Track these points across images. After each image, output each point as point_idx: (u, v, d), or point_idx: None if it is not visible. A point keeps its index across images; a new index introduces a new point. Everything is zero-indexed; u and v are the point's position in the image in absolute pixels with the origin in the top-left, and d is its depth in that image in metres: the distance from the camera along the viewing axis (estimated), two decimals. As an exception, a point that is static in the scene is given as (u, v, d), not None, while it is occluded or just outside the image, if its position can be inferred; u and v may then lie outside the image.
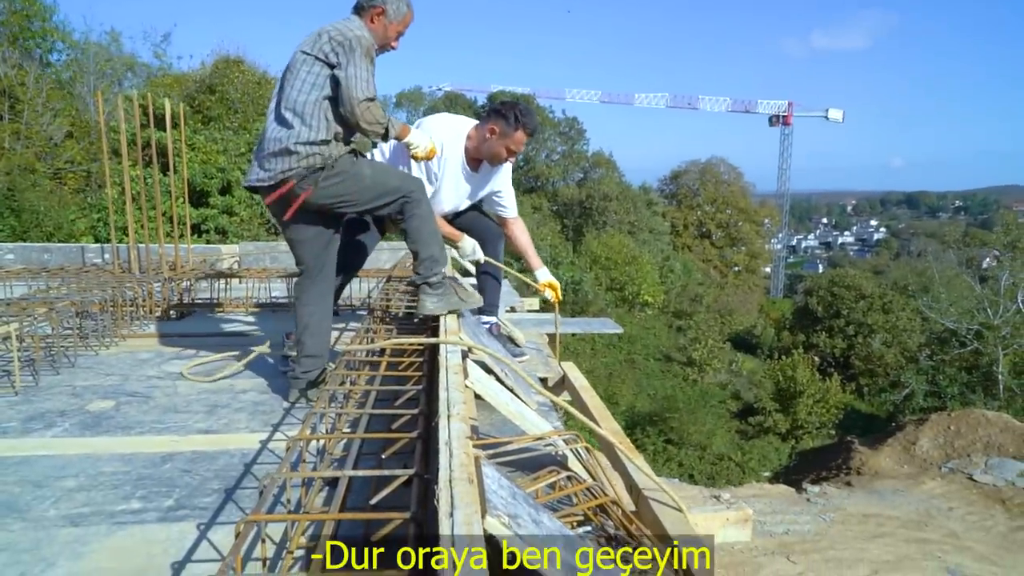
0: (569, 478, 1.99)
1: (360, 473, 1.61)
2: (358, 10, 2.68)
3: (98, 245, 6.95)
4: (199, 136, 13.70)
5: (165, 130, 5.14)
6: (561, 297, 3.79)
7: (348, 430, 2.28)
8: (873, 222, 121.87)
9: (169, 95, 16.63)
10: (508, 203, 3.59)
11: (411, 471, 1.55)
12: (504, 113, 3.13)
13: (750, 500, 11.51)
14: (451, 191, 3.35)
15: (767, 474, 17.90)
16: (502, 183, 3.51)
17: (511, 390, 2.56)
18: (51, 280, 4.71)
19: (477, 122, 3.25)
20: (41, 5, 16.68)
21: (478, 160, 3.29)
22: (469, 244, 3.44)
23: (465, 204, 3.48)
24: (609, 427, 2.78)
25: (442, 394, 1.88)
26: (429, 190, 3.18)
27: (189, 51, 48.11)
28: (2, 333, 3.00)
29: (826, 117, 59.47)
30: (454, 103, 39.52)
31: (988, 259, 35.09)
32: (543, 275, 3.68)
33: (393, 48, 2.79)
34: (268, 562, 1.55)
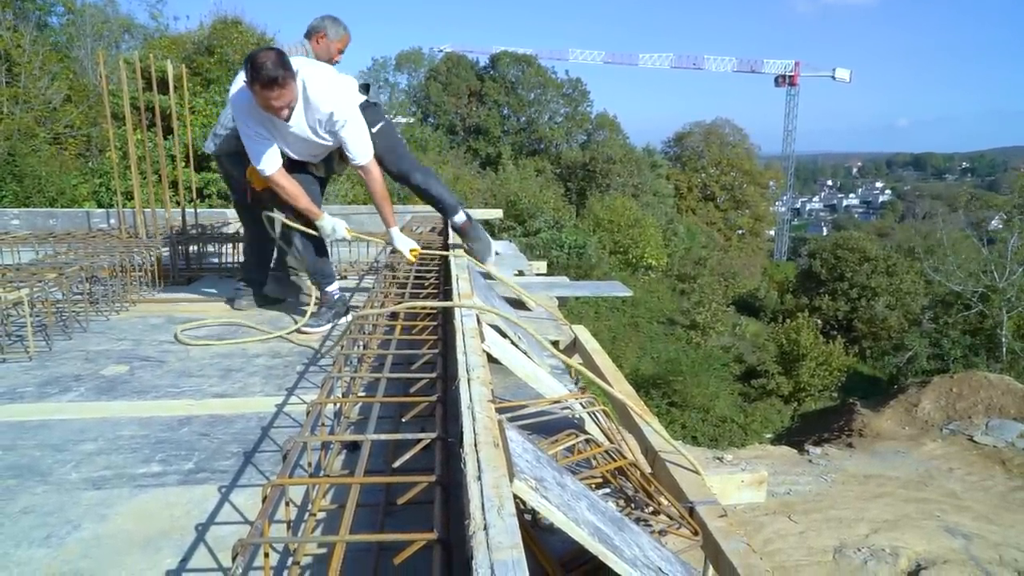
0: (587, 441, 2.00)
1: (384, 437, 1.61)
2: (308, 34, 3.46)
3: (103, 210, 6.92)
4: (199, 99, 13.52)
5: (166, 93, 5.07)
6: (413, 259, 3.64)
7: (363, 393, 2.29)
8: (879, 184, 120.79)
9: (167, 57, 16.38)
10: (352, 149, 3.29)
11: (434, 434, 1.55)
12: (244, 73, 2.97)
13: (752, 461, 11.65)
14: (283, 144, 3.27)
15: (769, 436, 18.09)
16: (328, 119, 3.20)
17: (525, 353, 2.56)
18: (58, 245, 4.69)
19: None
20: (37, -34, 16.32)
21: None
22: (328, 222, 3.42)
23: (305, 150, 3.35)
24: (623, 389, 2.78)
25: (460, 357, 1.88)
26: None
27: (186, 11, 47.16)
28: (14, 298, 3.00)
29: (833, 77, 58.57)
30: (456, 64, 38.91)
31: (995, 221, 34.86)
32: (398, 237, 3.58)
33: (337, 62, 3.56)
34: (291, 524, 1.57)
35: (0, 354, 2.94)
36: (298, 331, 3.39)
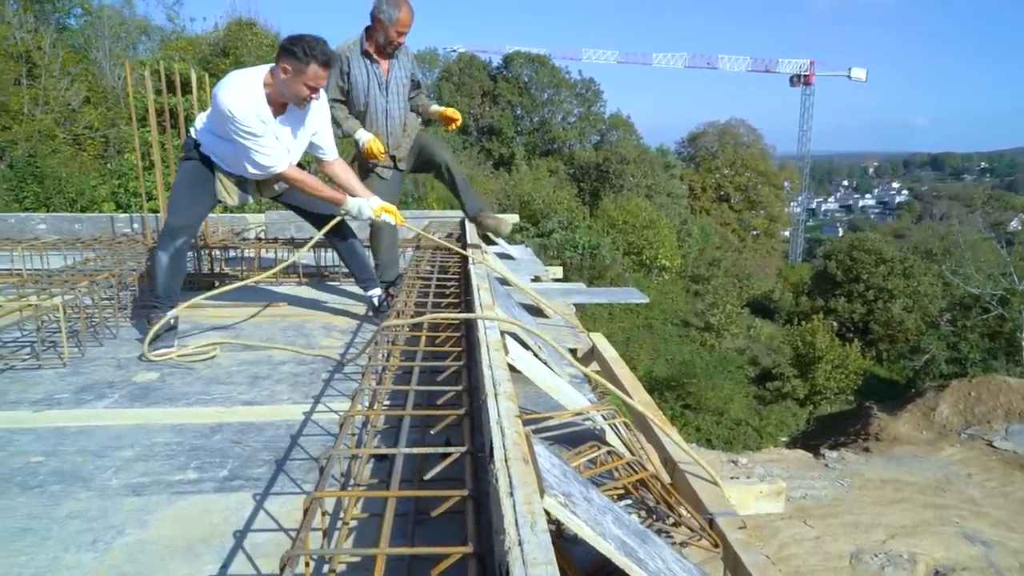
0: (609, 453, 2.05)
1: (415, 451, 1.67)
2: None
3: (127, 215, 7.04)
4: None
5: (184, 95, 5.16)
6: (403, 220, 3.66)
7: (388, 403, 2.35)
8: (895, 184, 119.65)
9: (183, 59, 16.63)
10: (325, 144, 3.41)
11: (463, 448, 1.60)
12: (292, 49, 2.94)
13: (767, 465, 11.63)
14: (283, 142, 3.26)
15: (785, 439, 18.03)
16: (320, 122, 3.35)
17: (545, 363, 2.61)
18: (86, 252, 4.80)
19: (270, 66, 3.10)
20: (59, -31, 16.57)
21: (282, 104, 3.14)
22: (354, 204, 3.42)
23: (297, 151, 3.36)
24: (641, 399, 2.83)
25: (486, 372, 1.93)
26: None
27: (202, 13, 47.67)
28: (50, 306, 3.09)
29: (849, 76, 58.13)
30: (469, 64, 39.01)
31: (1015, 222, 34.47)
32: (376, 200, 3.49)
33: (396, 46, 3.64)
34: (326, 532, 1.63)
35: (36, 360, 3.03)
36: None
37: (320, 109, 3.32)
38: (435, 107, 4.17)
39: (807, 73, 56.58)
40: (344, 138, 3.95)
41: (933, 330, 23.63)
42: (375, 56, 3.78)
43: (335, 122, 3.83)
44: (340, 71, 3.78)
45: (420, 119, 4.23)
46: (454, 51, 44.30)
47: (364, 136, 3.86)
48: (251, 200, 3.59)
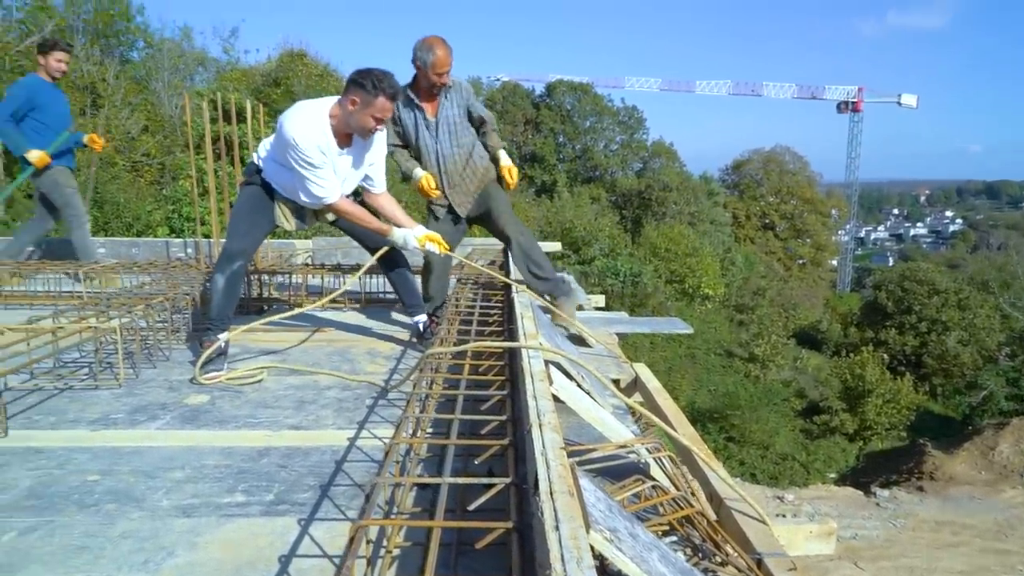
0: (654, 487, 2.02)
1: (460, 481, 1.67)
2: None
3: (180, 240, 7.30)
4: (267, 128, 14.16)
5: (238, 124, 5.34)
6: (448, 247, 3.70)
7: (431, 431, 2.36)
8: (948, 213, 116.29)
9: (237, 89, 17.26)
10: (377, 176, 3.54)
11: (508, 479, 1.60)
12: (361, 82, 3.03)
13: (815, 502, 11.25)
14: (339, 174, 3.36)
15: (833, 476, 17.43)
16: (378, 155, 3.48)
17: (588, 393, 2.59)
18: (142, 275, 4.98)
19: (336, 99, 3.19)
20: (126, 6, 17.45)
21: (348, 135, 3.24)
22: (399, 235, 3.48)
23: (353, 182, 3.48)
24: (686, 432, 2.78)
25: (530, 402, 1.93)
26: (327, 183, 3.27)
27: (256, 45, 49.68)
28: (107, 328, 3.20)
29: (899, 103, 57.03)
30: (512, 93, 39.54)
31: (1077, 254, 33.05)
32: (421, 230, 3.57)
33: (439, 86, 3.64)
34: (369, 560, 1.64)
35: (93, 381, 3.14)
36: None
37: (380, 142, 3.45)
38: (503, 158, 4.03)
39: (855, 100, 55.73)
40: (404, 181, 4.01)
41: (991, 365, 22.68)
42: (419, 100, 3.78)
43: (398, 165, 3.93)
44: (393, 118, 3.81)
45: (492, 167, 4.07)
46: (498, 80, 44.95)
47: (418, 173, 3.86)
48: (307, 226, 3.69)
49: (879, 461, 17.24)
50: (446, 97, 3.83)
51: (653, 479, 2.09)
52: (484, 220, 4.13)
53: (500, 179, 4.02)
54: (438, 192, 3.92)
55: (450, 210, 4.00)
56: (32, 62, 12.32)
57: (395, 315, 4.74)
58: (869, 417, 20.57)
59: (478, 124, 3.97)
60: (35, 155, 5.29)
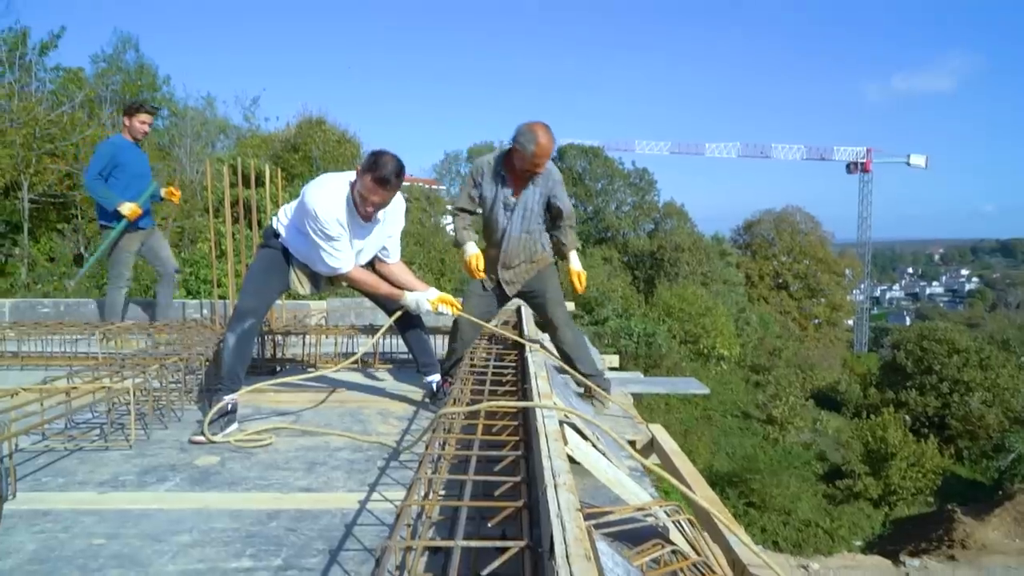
0: (673, 552, 1.94)
1: (473, 544, 1.62)
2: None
3: (196, 301, 7.36)
4: (284, 193, 14.47)
5: (257, 188, 5.46)
6: (460, 308, 3.71)
7: (443, 493, 2.30)
8: (964, 271, 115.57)
9: (257, 155, 17.75)
10: (392, 248, 3.62)
11: (523, 542, 1.55)
12: (365, 160, 3.15)
13: (842, 571, 10.81)
14: (355, 244, 3.43)
15: (859, 543, 16.78)
16: (395, 228, 3.55)
17: (604, 454, 2.53)
18: (158, 335, 5.00)
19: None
20: (153, 77, 18.16)
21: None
22: (411, 299, 3.53)
23: (369, 253, 3.53)
24: (705, 495, 2.70)
25: (544, 462, 1.88)
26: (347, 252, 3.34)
27: (276, 113, 51.36)
28: (121, 388, 3.20)
29: (908, 163, 57.62)
30: (525, 158, 40.25)
31: (1098, 312, 32.57)
32: (434, 292, 3.60)
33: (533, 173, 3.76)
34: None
35: (104, 442, 3.12)
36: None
37: (398, 216, 3.54)
38: (574, 262, 4.04)
39: (864, 160, 56.35)
40: (455, 247, 4.04)
41: (1019, 427, 22.06)
42: (508, 177, 3.78)
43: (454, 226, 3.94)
44: (474, 181, 3.86)
45: (551, 253, 4.08)
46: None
47: (471, 249, 3.86)
48: (321, 291, 3.73)
49: (907, 528, 16.63)
50: (533, 182, 3.79)
51: (673, 543, 2.02)
52: (532, 302, 4.15)
53: (572, 282, 4.07)
54: (482, 275, 3.91)
55: (498, 285, 4.00)
56: (62, 131, 12.84)
57: (408, 375, 4.71)
58: (894, 481, 19.93)
59: (555, 215, 3.95)
60: (128, 207, 5.57)
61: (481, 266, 3.90)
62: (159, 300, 6.24)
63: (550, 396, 2.58)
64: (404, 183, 3.51)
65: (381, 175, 3.11)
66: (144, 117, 5.70)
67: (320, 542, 2.17)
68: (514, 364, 3.79)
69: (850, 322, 49.95)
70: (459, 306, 3.68)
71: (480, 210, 3.98)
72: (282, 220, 3.49)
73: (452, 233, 3.91)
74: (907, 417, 24.13)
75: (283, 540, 2.18)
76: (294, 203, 3.45)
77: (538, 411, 2.36)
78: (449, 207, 4.19)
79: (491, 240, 3.96)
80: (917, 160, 57.17)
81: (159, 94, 18.83)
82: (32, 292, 10.95)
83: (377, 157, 3.13)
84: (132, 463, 2.90)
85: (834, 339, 43.97)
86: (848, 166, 57.14)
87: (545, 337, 4.32)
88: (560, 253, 4.10)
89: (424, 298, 3.55)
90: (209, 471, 2.82)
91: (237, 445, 3.14)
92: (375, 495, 2.56)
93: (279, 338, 5.14)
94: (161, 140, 19.24)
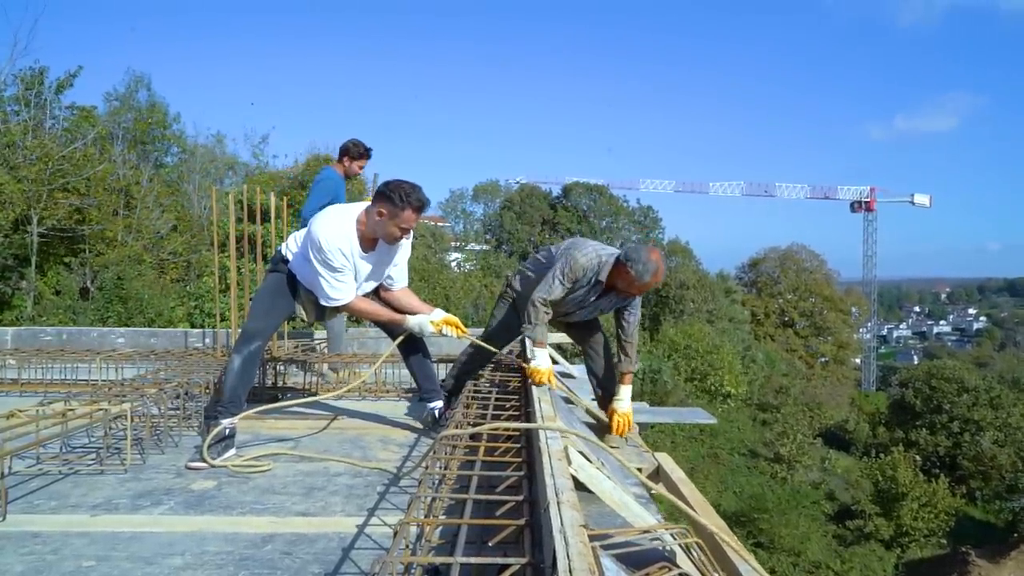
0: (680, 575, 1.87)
1: (473, 560, 1.56)
2: None
3: (199, 330, 7.34)
4: (291, 228, 14.55)
5: (262, 223, 5.48)
6: (466, 331, 3.64)
7: (444, 515, 2.24)
8: (972, 310, 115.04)
9: (264, 191, 17.87)
10: (398, 275, 3.62)
11: (524, 559, 1.49)
12: (390, 195, 3.15)
13: (855, 614, 10.48)
14: (360, 276, 3.44)
15: (872, 586, 16.34)
16: (402, 258, 3.58)
17: (609, 478, 2.47)
18: (158, 362, 4.97)
19: (366, 205, 3.31)
20: (163, 115, 18.45)
21: (373, 240, 3.34)
22: (414, 322, 3.52)
23: (374, 282, 3.55)
24: (714, 522, 2.62)
25: (548, 480, 1.83)
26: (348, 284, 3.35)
27: (285, 150, 52.10)
28: (117, 412, 3.16)
29: (912, 202, 57.88)
30: (530, 195, 40.67)
31: (1109, 351, 32.27)
32: (439, 314, 3.58)
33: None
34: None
35: (99, 465, 3.06)
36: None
37: (406, 246, 3.54)
38: (622, 402, 3.97)
39: (868, 199, 56.60)
40: (524, 337, 3.95)
41: (1031, 466, 21.66)
42: (605, 285, 3.66)
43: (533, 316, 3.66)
44: (574, 281, 3.62)
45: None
46: (516, 182, 46.42)
47: (545, 363, 3.50)
48: (325, 319, 3.72)
49: (920, 570, 16.22)
50: (618, 292, 3.73)
51: (679, 568, 1.94)
52: (578, 333, 4.15)
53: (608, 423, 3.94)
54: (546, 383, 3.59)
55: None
56: (75, 167, 13.00)
57: (409, 402, 4.65)
58: (905, 522, 19.49)
59: (618, 327, 3.93)
60: None
61: (554, 382, 3.63)
62: (333, 327, 6.03)
63: (554, 419, 2.53)
64: None
65: (421, 204, 3.19)
66: (363, 163, 5.80)
67: (316, 566, 2.10)
68: (518, 391, 3.74)
69: (857, 360, 49.55)
70: (464, 329, 3.64)
71: None
72: (291, 247, 3.51)
73: (527, 324, 3.59)
74: (917, 456, 23.73)
75: (278, 564, 2.11)
76: (303, 232, 3.48)
77: (542, 432, 2.31)
78: (538, 299, 4.02)
79: (559, 310, 3.79)
80: (921, 199, 57.46)
81: (169, 132, 19.10)
82: (37, 324, 10.96)
83: (404, 188, 3.16)
84: (127, 487, 2.84)
85: (841, 377, 43.56)
86: (852, 205, 57.39)
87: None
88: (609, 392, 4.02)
89: (427, 320, 3.52)
90: (204, 495, 2.75)
91: (235, 471, 3.08)
92: (374, 519, 2.49)
93: (281, 367, 5.10)
94: (170, 176, 19.48)
